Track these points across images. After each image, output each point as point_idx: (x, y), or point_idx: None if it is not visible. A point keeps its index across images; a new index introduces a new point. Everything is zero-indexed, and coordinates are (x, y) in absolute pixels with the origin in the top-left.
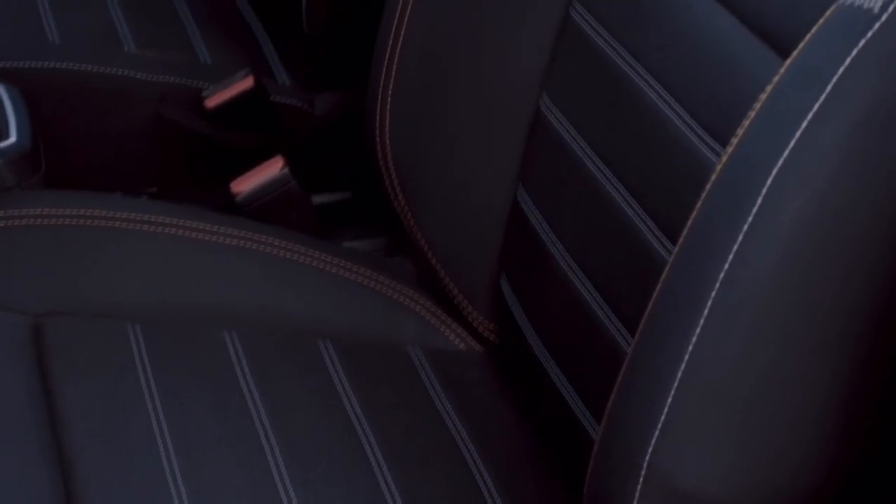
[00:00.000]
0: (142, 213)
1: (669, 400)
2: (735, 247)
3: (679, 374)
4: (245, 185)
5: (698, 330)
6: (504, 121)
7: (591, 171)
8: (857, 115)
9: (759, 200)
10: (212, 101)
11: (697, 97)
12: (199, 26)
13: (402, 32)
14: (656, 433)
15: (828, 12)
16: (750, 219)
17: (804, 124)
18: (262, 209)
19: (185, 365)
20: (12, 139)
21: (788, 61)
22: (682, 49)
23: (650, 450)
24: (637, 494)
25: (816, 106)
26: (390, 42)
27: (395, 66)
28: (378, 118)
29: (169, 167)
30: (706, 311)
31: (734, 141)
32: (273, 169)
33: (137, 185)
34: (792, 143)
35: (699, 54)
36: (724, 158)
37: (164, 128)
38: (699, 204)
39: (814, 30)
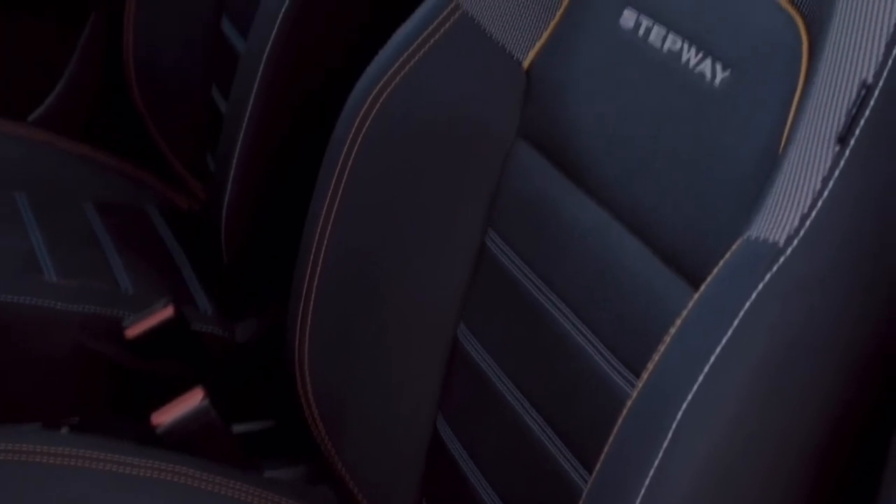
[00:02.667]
0: (62, 447)
1: None
2: (646, 481)
3: None
4: (165, 417)
5: None
6: (422, 349)
7: (508, 400)
8: (762, 350)
9: (670, 434)
10: (132, 331)
11: (609, 326)
12: (120, 254)
13: (321, 261)
14: None
15: (735, 245)
16: (661, 453)
17: (712, 359)
18: (182, 441)
19: None
20: None
21: (697, 295)
22: (593, 277)
23: None
24: None
25: (724, 340)
26: (308, 270)
27: (313, 294)
28: (297, 347)
29: (89, 397)
30: None
31: (644, 375)
32: (193, 401)
33: (58, 415)
34: (701, 378)
35: (610, 282)
36: (637, 390)
37: (85, 358)
38: (612, 436)
39: (721, 263)
